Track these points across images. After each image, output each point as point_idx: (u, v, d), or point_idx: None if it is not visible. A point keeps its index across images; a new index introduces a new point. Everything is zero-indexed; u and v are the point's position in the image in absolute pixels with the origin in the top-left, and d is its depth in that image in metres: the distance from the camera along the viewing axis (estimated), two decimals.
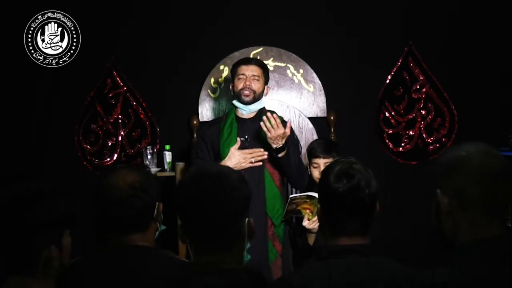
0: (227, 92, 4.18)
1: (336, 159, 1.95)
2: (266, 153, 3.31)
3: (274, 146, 3.25)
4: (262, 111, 3.48)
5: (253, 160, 3.30)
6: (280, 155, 3.28)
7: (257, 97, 3.46)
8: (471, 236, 1.51)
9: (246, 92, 3.43)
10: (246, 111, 3.48)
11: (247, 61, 3.54)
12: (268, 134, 3.21)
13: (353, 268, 1.77)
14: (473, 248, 1.49)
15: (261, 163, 3.33)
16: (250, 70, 3.47)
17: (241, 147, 3.33)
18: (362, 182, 1.81)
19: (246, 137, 3.40)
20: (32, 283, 1.54)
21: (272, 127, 3.19)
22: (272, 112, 3.56)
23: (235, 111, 3.51)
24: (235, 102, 3.50)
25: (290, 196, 3.25)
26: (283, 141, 3.25)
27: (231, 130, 3.43)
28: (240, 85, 3.45)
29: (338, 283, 1.75)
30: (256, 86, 3.45)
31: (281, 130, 3.20)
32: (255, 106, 3.48)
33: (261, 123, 3.22)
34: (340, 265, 1.78)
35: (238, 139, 3.34)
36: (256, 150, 3.33)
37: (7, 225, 1.53)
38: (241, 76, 3.47)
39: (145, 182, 1.91)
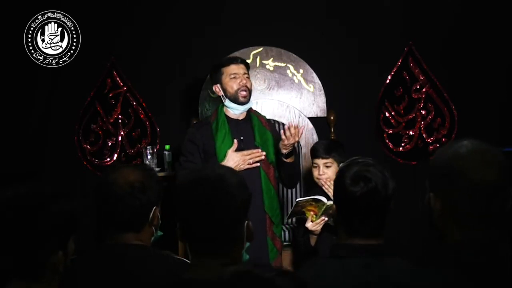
0: None
1: (353, 159, 1.90)
2: (264, 153, 3.31)
3: (285, 151, 3.27)
4: (250, 110, 3.46)
5: (251, 161, 3.29)
6: (288, 160, 3.31)
7: (250, 96, 3.42)
8: (460, 238, 1.50)
9: (244, 93, 3.35)
10: (240, 111, 3.42)
11: (235, 60, 3.44)
12: (285, 142, 3.21)
13: (366, 267, 1.77)
14: (458, 251, 1.48)
15: (258, 164, 3.32)
16: (241, 69, 3.39)
17: (238, 149, 3.32)
18: (379, 185, 1.81)
19: (242, 138, 3.37)
20: (36, 287, 1.53)
21: (292, 135, 3.19)
22: (258, 113, 3.55)
23: (225, 112, 3.44)
24: (228, 103, 3.39)
25: (297, 199, 3.25)
26: (292, 147, 3.28)
27: (225, 132, 3.38)
28: (234, 85, 3.35)
29: (350, 282, 1.75)
30: (249, 84, 3.40)
31: (297, 138, 3.22)
32: (249, 105, 3.43)
33: (282, 131, 3.22)
34: (353, 263, 1.78)
35: (235, 140, 3.32)
36: (254, 151, 3.31)
37: (17, 229, 1.52)
38: (233, 76, 3.37)
39: (146, 183, 1.90)
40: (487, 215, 1.49)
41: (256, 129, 3.39)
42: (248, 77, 3.41)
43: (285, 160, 3.30)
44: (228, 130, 3.36)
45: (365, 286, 1.74)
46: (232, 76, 3.37)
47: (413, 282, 1.65)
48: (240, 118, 3.43)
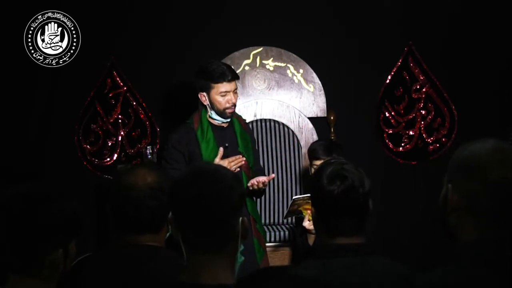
0: None
1: (326, 160, 1.94)
2: (244, 158, 3.34)
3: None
4: (233, 116, 3.48)
5: (234, 167, 3.29)
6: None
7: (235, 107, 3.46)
8: (475, 236, 1.50)
9: (231, 110, 3.39)
10: (224, 121, 3.46)
11: (226, 76, 3.36)
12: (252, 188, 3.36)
13: (349, 267, 1.77)
14: (475, 249, 1.47)
15: (239, 169, 3.34)
16: (232, 86, 3.37)
17: (223, 155, 3.33)
18: (356, 182, 1.82)
19: (227, 145, 3.39)
20: (35, 284, 1.54)
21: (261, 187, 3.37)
22: (238, 115, 3.58)
23: (208, 119, 3.44)
24: (213, 114, 3.41)
25: (294, 197, 3.26)
26: None
27: (211, 139, 3.40)
28: (223, 102, 3.35)
29: (333, 282, 1.74)
30: (236, 98, 3.41)
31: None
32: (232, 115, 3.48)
33: (251, 183, 3.34)
34: (336, 264, 1.78)
35: (221, 148, 3.33)
36: (237, 157, 3.33)
37: (18, 225, 1.53)
38: (223, 94, 3.35)
39: (163, 183, 1.91)
40: (506, 214, 1.49)
41: (239, 136, 3.45)
42: (236, 91, 3.42)
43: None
44: (213, 138, 3.37)
45: (348, 286, 1.74)
46: (223, 94, 3.36)
47: (399, 281, 1.65)
48: (224, 126, 3.45)
